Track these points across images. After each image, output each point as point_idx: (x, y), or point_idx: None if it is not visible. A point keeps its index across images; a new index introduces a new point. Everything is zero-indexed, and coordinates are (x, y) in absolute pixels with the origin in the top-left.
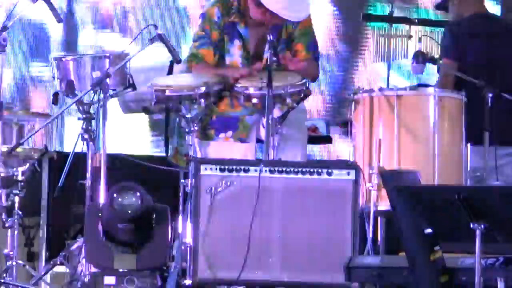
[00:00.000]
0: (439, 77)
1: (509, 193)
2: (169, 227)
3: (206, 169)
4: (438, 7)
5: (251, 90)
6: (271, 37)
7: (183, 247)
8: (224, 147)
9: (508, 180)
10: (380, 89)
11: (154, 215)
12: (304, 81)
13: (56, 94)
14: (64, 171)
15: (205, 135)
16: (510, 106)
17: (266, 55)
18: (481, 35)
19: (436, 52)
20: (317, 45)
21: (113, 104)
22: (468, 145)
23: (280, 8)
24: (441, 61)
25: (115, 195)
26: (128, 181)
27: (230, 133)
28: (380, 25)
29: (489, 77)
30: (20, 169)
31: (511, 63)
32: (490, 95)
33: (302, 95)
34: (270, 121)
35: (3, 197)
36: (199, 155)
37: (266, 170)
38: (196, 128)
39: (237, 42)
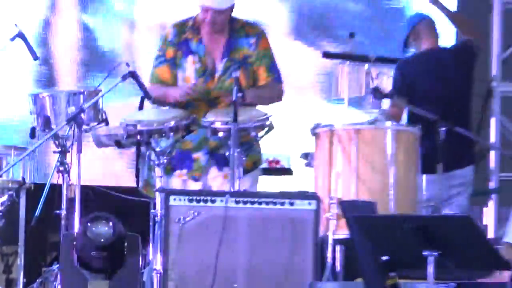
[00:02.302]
0: (387, 111)
1: (460, 222)
2: (140, 255)
3: (175, 199)
4: (405, 43)
5: (218, 124)
6: (236, 73)
7: (153, 274)
8: (181, 184)
9: (460, 209)
10: (339, 124)
11: (125, 243)
12: (267, 115)
13: (33, 129)
14: (41, 201)
15: (166, 169)
16: (459, 136)
17: (218, 74)
18: (430, 71)
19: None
20: (277, 66)
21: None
22: (424, 176)
23: (205, 1)
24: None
25: (88, 224)
26: (101, 211)
27: (185, 171)
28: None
29: (439, 111)
30: None
31: (460, 95)
32: (443, 129)
33: (266, 128)
34: (236, 154)
35: None
36: None
37: (232, 201)
38: (165, 161)
39: (190, 58)
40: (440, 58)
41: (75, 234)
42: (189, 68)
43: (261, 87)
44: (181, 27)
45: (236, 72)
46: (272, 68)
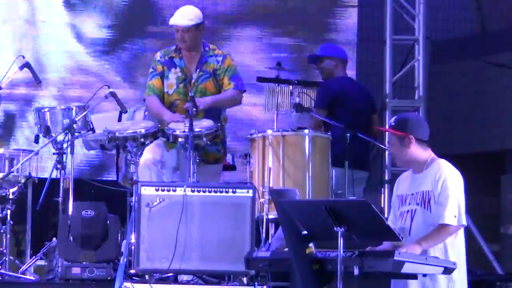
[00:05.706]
0: (313, 121)
1: (360, 206)
2: (119, 231)
3: (145, 189)
4: (310, 60)
5: (178, 132)
6: (191, 93)
7: (129, 246)
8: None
9: (359, 196)
10: (270, 131)
11: (108, 222)
12: (216, 125)
13: (37, 136)
14: (43, 191)
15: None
16: (363, 141)
17: (193, 80)
18: (347, 92)
19: (309, 104)
20: (238, 77)
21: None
22: (333, 170)
23: (172, 20)
24: (314, 109)
25: (80, 210)
26: (90, 199)
27: None
28: (270, 85)
29: (353, 120)
30: (11, 190)
31: (365, 111)
32: (349, 134)
33: (214, 135)
34: (191, 154)
35: None
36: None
37: (189, 190)
38: (138, 160)
39: (173, 70)
40: (353, 84)
41: (70, 216)
42: (172, 77)
43: (219, 95)
44: (166, 51)
45: (191, 92)
46: (233, 78)
